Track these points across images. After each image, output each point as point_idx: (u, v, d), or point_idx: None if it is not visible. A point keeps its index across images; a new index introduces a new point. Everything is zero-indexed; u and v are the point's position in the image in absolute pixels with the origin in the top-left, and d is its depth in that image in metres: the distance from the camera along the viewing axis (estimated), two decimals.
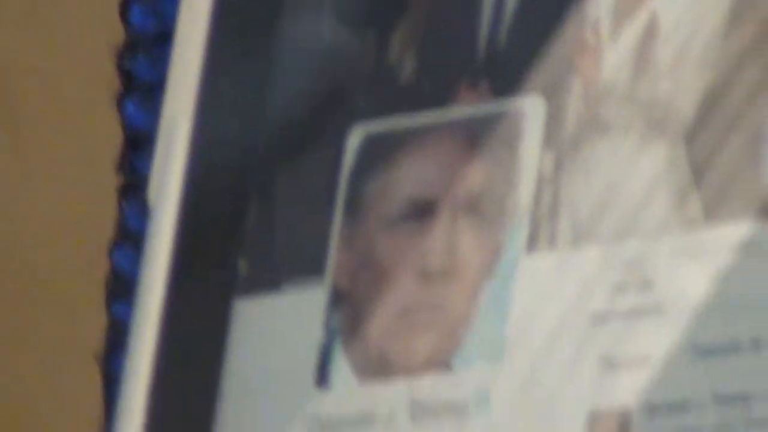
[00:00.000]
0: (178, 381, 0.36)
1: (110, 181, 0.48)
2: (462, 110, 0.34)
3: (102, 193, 0.48)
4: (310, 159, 0.36)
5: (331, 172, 0.35)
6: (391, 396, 0.35)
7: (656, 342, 0.32)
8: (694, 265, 0.31)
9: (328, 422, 0.36)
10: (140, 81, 0.46)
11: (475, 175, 0.33)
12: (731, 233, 0.31)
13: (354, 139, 0.35)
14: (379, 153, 0.35)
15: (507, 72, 0.34)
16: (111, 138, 0.48)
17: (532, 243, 0.34)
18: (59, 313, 0.61)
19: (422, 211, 0.35)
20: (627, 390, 0.30)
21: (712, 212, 0.30)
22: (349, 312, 0.36)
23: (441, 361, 0.35)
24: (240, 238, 0.36)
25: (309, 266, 0.36)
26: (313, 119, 0.35)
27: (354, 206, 0.35)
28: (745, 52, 0.31)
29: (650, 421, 0.32)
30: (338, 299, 0.36)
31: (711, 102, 0.31)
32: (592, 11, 0.33)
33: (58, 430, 0.74)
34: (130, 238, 0.42)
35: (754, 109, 0.32)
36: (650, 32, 0.33)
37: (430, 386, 0.33)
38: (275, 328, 0.35)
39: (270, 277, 0.38)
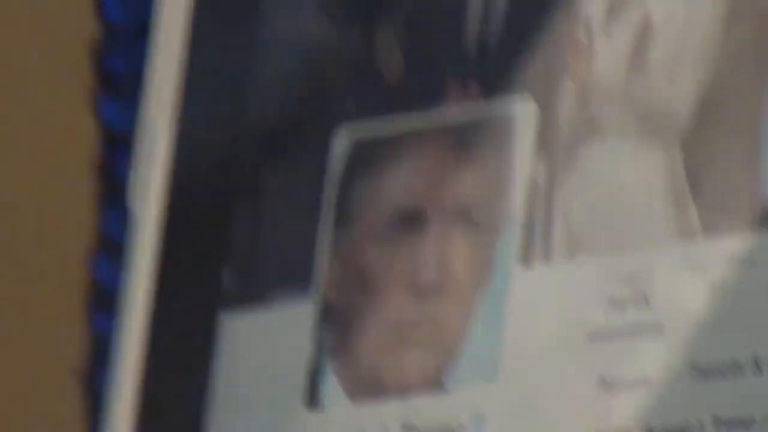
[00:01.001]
0: (164, 397, 0.36)
1: (88, 186, 0.47)
2: (451, 113, 0.33)
3: (79, 199, 0.47)
4: (295, 163, 0.35)
5: (318, 178, 0.34)
6: (383, 418, 0.34)
7: (655, 362, 0.31)
8: (692, 279, 0.30)
9: None
10: (118, 79, 0.44)
11: (466, 183, 0.32)
12: (730, 245, 0.30)
13: (341, 144, 0.34)
14: (367, 159, 0.34)
15: (497, 71, 0.33)
16: (87, 140, 0.46)
17: (526, 255, 0.33)
18: (36, 327, 0.61)
19: (412, 220, 0.34)
20: (626, 412, 0.30)
21: (710, 223, 0.30)
22: (338, 327, 0.35)
23: (434, 380, 0.34)
24: (225, 247, 0.35)
25: (296, 278, 0.35)
26: (297, 120, 0.34)
27: (342, 215, 0.34)
28: (742, 52, 0.31)
29: None
30: (327, 313, 0.35)
31: (708, 105, 0.31)
32: (583, 8, 0.33)
33: None
34: (110, 247, 0.41)
35: (752, 112, 0.31)
36: (644, 31, 0.33)
37: (423, 407, 0.33)
38: (263, 344, 0.34)
39: (257, 290, 0.36)
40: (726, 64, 0.31)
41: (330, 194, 0.34)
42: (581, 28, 0.33)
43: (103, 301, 0.43)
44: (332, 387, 0.35)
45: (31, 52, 0.65)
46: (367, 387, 0.35)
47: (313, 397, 0.35)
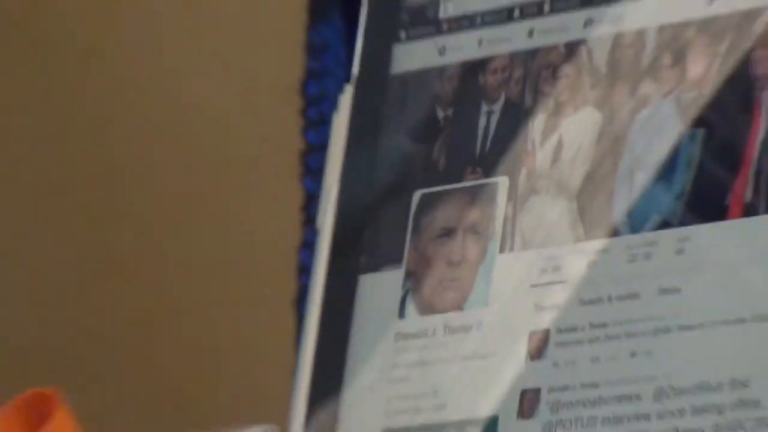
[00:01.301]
0: (328, 327, 0.64)
1: (295, 214, 0.75)
2: (468, 183, 0.60)
3: (292, 223, 0.75)
4: (394, 207, 0.62)
5: (405, 213, 0.61)
6: (434, 322, 0.60)
7: (562, 298, 0.56)
8: (580, 260, 0.56)
9: (403, 335, 0.62)
10: (314, 146, 0.72)
11: (474, 214, 0.58)
12: (596, 245, 0.55)
13: (416, 197, 0.61)
14: (428, 203, 0.61)
15: (491, 163, 0.59)
16: (295, 190, 0.74)
17: (502, 248, 0.58)
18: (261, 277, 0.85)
19: (448, 231, 0.61)
20: (547, 320, 0.55)
21: (589, 234, 0.55)
22: (414, 281, 0.61)
23: (458, 305, 0.60)
24: (361, 246, 0.62)
25: (394, 258, 0.61)
26: (397, 187, 0.61)
27: (416, 230, 0.61)
28: (604, 154, 0.56)
29: (558, 335, 0.57)
30: (408, 275, 0.62)
31: (588, 178, 0.56)
32: (531, 133, 0.59)
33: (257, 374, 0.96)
34: (308, 245, 0.69)
35: (609, 181, 0.56)
36: (559, 144, 0.59)
37: (452, 318, 0.59)
38: (378, 291, 0.61)
39: (375, 264, 0.63)
40: (597, 160, 0.57)
41: (410, 220, 0.62)
42: (529, 143, 0.59)
43: (305, 275, 0.70)
44: (411, 308, 0.61)
45: (246, 110, 0.91)
46: (427, 308, 0.60)
47: (401, 312, 0.61)
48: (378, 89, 0.69)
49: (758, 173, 0.54)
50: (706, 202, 0.55)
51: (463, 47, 0.65)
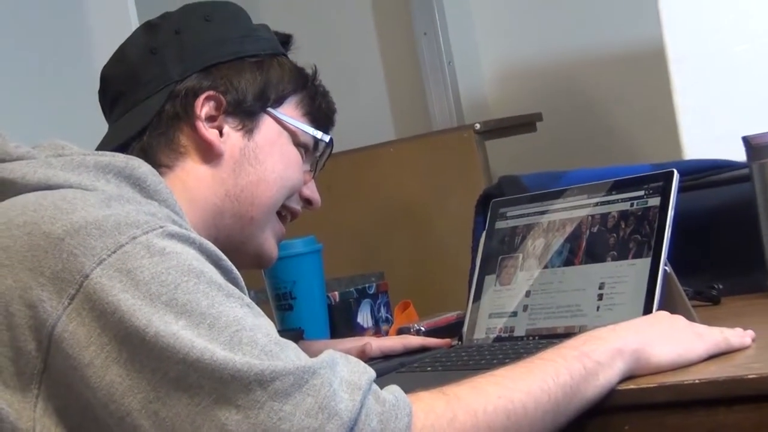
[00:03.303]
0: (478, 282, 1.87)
1: None
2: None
3: None
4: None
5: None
6: (515, 293, 1.70)
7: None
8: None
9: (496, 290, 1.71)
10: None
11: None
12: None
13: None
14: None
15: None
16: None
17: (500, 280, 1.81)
18: None
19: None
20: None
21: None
22: (497, 275, 1.72)
23: (508, 282, 1.75)
24: (490, 266, 1.86)
25: (494, 271, 1.82)
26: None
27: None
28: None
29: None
30: (497, 276, 1.74)
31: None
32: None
33: None
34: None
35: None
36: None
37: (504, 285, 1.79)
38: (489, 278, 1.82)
39: (491, 270, 1.83)
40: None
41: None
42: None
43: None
44: (488, 284, 1.73)
45: None
46: (503, 283, 1.76)
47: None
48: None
49: None
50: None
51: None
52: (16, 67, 2.08)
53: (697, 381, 1.23)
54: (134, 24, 2.16)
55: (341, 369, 1.16)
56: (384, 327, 2.17)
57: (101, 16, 2.12)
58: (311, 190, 1.60)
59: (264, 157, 1.49)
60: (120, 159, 1.33)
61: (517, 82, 2.90)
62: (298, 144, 1.55)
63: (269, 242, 1.54)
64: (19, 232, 1.19)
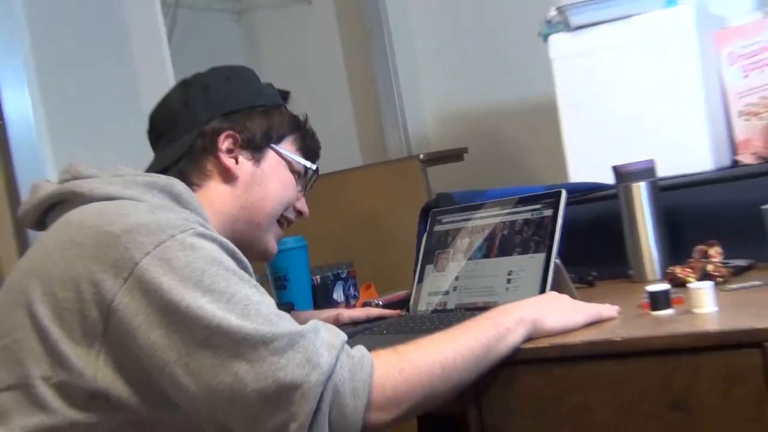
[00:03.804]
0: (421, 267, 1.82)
1: None
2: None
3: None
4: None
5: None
6: (447, 277, 1.75)
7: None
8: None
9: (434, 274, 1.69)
10: None
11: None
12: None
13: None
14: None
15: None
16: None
17: (436, 267, 1.79)
18: None
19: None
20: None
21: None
22: (435, 264, 1.69)
23: (442, 269, 1.76)
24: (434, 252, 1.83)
25: (432, 261, 1.73)
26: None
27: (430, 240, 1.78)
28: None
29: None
30: (434, 263, 1.71)
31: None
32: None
33: None
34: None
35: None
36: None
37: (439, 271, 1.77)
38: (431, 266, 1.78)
39: (432, 259, 1.79)
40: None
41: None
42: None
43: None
44: (428, 271, 1.77)
45: None
46: (438, 269, 1.69)
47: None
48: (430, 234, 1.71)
49: None
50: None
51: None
52: (92, 117, 2.08)
53: (578, 342, 1.23)
54: (171, 79, 2.14)
55: (322, 333, 1.16)
56: (352, 302, 2.14)
57: (146, 73, 2.13)
58: (302, 205, 1.57)
59: (268, 180, 1.48)
60: (162, 179, 1.33)
61: (450, 123, 2.87)
62: (293, 171, 1.53)
63: (271, 242, 1.52)
64: (89, 232, 1.19)
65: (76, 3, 2.04)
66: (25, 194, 1.58)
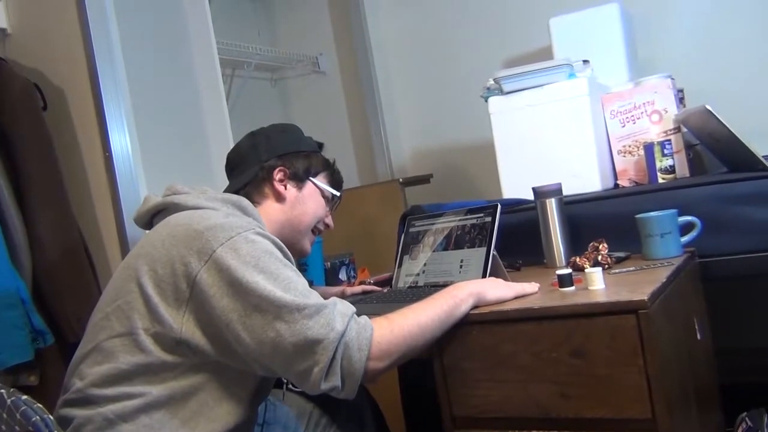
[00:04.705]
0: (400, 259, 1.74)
1: None
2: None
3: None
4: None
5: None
6: (418, 263, 1.62)
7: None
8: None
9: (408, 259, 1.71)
10: None
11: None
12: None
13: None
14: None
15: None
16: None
17: (411, 256, 1.68)
18: None
19: (417, 240, 1.65)
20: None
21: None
22: (410, 254, 1.64)
23: (415, 258, 1.66)
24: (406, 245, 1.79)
25: (406, 252, 1.75)
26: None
27: (407, 239, 1.68)
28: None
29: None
30: (407, 253, 1.63)
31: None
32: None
33: None
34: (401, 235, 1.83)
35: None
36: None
37: (412, 260, 1.73)
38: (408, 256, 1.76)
39: (409, 250, 1.73)
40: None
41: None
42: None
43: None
44: (405, 259, 1.63)
45: None
46: (412, 259, 1.65)
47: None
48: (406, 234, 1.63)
49: None
50: None
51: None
52: (173, 154, 1.98)
53: (509, 309, 1.20)
54: (228, 129, 2.07)
55: (339, 306, 1.15)
56: (352, 280, 2.08)
57: (211, 123, 2.04)
58: (329, 220, 1.51)
59: (306, 202, 1.43)
60: (234, 197, 1.33)
61: (421, 156, 2.77)
62: (324, 196, 1.47)
63: (307, 245, 1.46)
64: (181, 229, 1.19)
65: (164, 70, 1.98)
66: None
